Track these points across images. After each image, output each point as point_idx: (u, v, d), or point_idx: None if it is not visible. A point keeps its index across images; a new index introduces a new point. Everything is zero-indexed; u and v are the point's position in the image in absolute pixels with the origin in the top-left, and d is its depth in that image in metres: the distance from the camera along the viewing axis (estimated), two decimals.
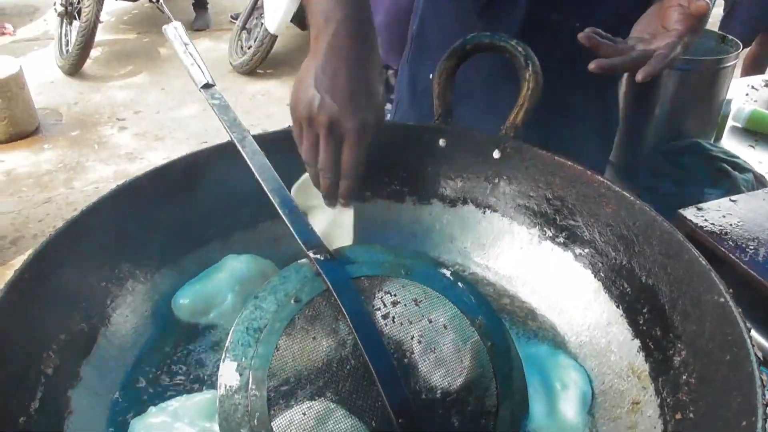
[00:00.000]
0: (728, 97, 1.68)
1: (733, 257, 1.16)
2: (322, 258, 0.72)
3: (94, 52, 4.84)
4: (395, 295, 0.69)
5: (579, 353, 0.85)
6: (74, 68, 4.63)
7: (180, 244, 0.94)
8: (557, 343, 0.87)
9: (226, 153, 0.97)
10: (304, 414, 0.61)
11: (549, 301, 0.92)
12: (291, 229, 0.76)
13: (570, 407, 0.76)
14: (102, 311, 0.83)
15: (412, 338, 0.66)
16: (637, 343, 0.79)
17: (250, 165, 0.82)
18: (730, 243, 1.21)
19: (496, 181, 0.99)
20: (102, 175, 3.59)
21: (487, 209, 1.00)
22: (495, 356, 0.68)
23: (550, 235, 0.94)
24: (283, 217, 0.77)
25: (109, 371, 0.80)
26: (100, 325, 0.82)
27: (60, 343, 0.76)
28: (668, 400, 0.71)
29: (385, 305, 0.68)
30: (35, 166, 3.71)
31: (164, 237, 0.92)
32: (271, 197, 0.79)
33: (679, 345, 0.73)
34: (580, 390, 0.78)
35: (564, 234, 0.93)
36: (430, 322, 0.68)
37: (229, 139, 0.96)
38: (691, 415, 0.67)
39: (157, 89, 4.66)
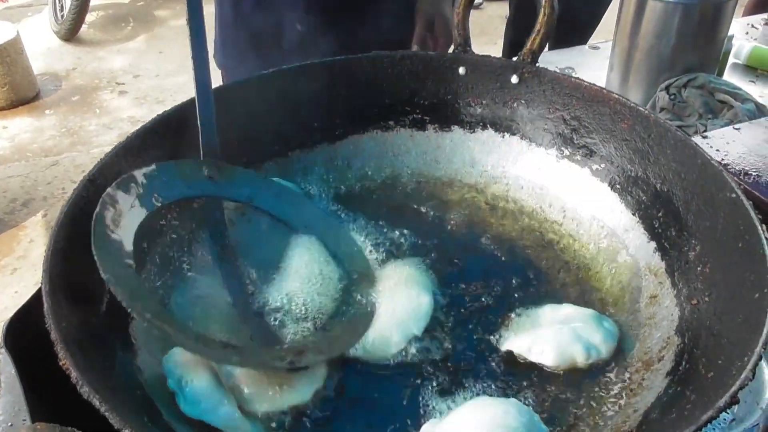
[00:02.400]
0: (730, 33, 1.71)
1: (737, 180, 1.22)
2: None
3: (89, 17, 4.82)
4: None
5: (598, 259, 0.91)
6: (70, 33, 4.61)
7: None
8: (575, 251, 0.93)
9: (258, 85, 1.02)
10: None
11: (568, 214, 0.98)
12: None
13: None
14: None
15: None
16: (653, 244, 0.86)
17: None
18: (735, 167, 1.26)
19: (515, 105, 1.04)
20: (106, 139, 3.62)
21: (506, 133, 1.05)
22: None
23: (568, 153, 1.00)
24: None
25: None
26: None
27: None
28: (684, 290, 0.77)
29: None
30: (38, 132, 3.73)
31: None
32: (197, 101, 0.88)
33: (694, 241, 0.79)
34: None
35: (581, 152, 0.98)
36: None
37: (260, 73, 1.01)
38: (707, 299, 0.73)
39: (155, 53, 4.65)
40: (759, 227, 0.69)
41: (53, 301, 0.65)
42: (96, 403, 0.55)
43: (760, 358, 0.56)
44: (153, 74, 4.36)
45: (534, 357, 0.77)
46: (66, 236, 0.73)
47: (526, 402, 0.73)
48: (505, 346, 0.79)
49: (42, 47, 4.61)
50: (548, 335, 0.77)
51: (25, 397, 0.73)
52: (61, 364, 0.59)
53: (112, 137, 3.63)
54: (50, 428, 0.39)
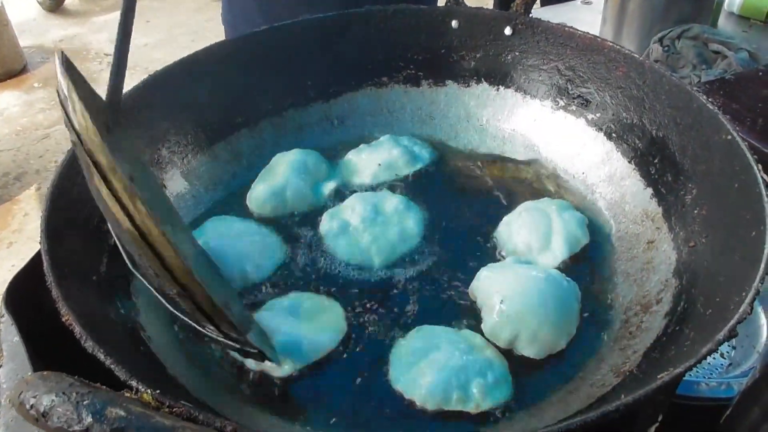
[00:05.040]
0: None
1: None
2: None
3: None
4: None
5: (595, 208, 0.92)
6: (55, 4, 4.55)
7: (211, 133, 0.99)
8: (574, 201, 0.94)
9: (251, 44, 1.01)
10: None
11: (565, 165, 0.98)
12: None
13: (557, 244, 0.84)
14: None
15: None
16: (649, 191, 0.86)
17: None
18: (729, 116, 1.26)
19: (509, 58, 1.03)
20: None
21: (500, 86, 1.05)
22: None
23: (563, 104, 0.99)
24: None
25: None
26: None
27: None
28: (681, 233, 0.78)
29: None
30: (28, 105, 3.69)
31: (196, 126, 0.97)
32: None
33: (690, 185, 0.79)
34: (571, 234, 0.86)
35: (576, 102, 0.98)
36: None
37: (253, 31, 1.00)
38: (704, 240, 0.73)
39: (142, 22, 4.58)
40: (755, 167, 0.69)
41: (53, 259, 0.65)
42: (101, 356, 0.55)
43: (758, 293, 0.56)
44: (141, 44, 4.31)
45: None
46: (61, 197, 0.73)
47: None
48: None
49: (27, 18, 4.55)
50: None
51: (29, 359, 0.73)
52: (63, 320, 0.59)
53: None
54: (57, 375, 0.39)
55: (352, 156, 1.02)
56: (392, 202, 0.92)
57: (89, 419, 0.35)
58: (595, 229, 0.89)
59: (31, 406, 0.36)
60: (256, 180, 0.97)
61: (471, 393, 0.68)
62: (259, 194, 0.95)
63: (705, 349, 0.52)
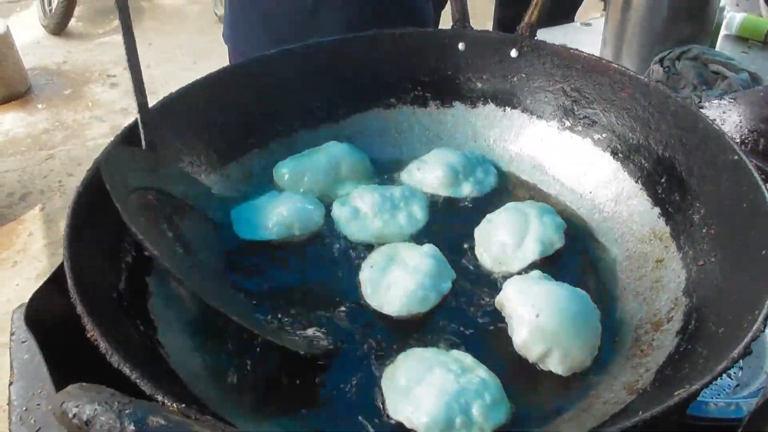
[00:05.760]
0: (721, 4, 1.73)
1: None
2: None
3: (77, 10, 4.78)
4: None
5: (603, 227, 0.93)
6: (59, 27, 4.58)
7: (223, 153, 1.00)
8: (579, 221, 0.95)
9: (261, 66, 1.03)
10: None
11: (572, 185, 0.99)
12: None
13: (530, 244, 0.88)
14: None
15: None
16: (657, 210, 0.87)
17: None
18: (732, 136, 1.28)
19: (515, 79, 1.05)
20: (100, 131, 3.61)
21: (507, 107, 1.06)
22: None
23: (569, 125, 1.01)
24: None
25: None
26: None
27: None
28: (690, 252, 0.79)
29: None
30: (32, 126, 3.71)
31: (208, 146, 0.99)
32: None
33: (698, 204, 0.81)
34: (546, 236, 0.89)
35: (582, 122, 0.99)
36: None
37: (268, 53, 1.02)
38: (713, 259, 0.75)
39: (145, 44, 4.62)
40: (762, 186, 0.70)
41: (76, 276, 0.66)
42: (126, 370, 0.56)
43: None
44: (143, 65, 4.30)
45: None
46: (82, 214, 0.74)
47: None
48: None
49: (32, 42, 4.58)
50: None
51: (50, 374, 0.74)
52: (88, 335, 0.60)
53: (105, 129, 3.61)
54: (96, 387, 0.40)
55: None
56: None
57: (132, 427, 0.36)
58: (602, 248, 0.91)
59: (74, 415, 0.37)
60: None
61: (473, 417, 0.68)
62: (283, 164, 1.02)
63: (720, 367, 0.53)
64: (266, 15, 1.43)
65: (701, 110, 1.32)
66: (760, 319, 0.56)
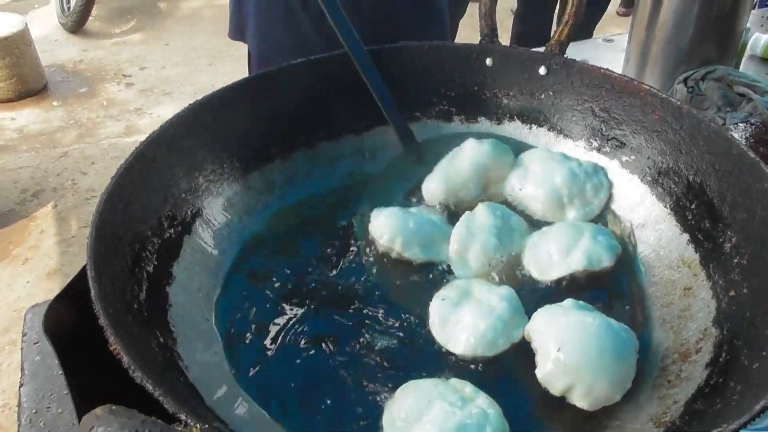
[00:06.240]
0: (747, 25, 1.71)
1: None
2: None
3: (95, 9, 4.81)
4: None
5: (628, 251, 0.91)
6: (77, 25, 4.61)
7: (246, 163, 1.00)
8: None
9: (287, 76, 1.02)
10: None
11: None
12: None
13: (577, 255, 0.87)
14: (185, 221, 0.89)
15: None
16: (686, 236, 0.86)
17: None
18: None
19: (542, 97, 1.04)
20: (114, 130, 3.62)
21: (533, 124, 1.05)
22: None
23: (596, 145, 1.00)
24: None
25: (195, 273, 0.87)
26: (184, 233, 0.88)
27: (154, 246, 0.82)
28: (720, 282, 0.77)
29: None
30: (47, 123, 3.73)
31: (231, 156, 0.98)
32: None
33: (729, 233, 0.79)
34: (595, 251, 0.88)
35: (611, 144, 0.98)
36: None
37: (289, 63, 1.01)
38: (745, 290, 0.73)
39: (161, 45, 4.64)
40: None
41: (100, 287, 0.65)
42: (149, 387, 0.55)
43: None
44: (159, 66, 4.36)
45: None
46: (107, 224, 0.74)
47: None
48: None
49: (49, 39, 4.61)
50: None
51: (66, 381, 0.73)
52: (111, 349, 0.59)
53: (119, 129, 3.63)
54: (127, 411, 0.39)
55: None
56: None
57: None
58: (628, 273, 0.89)
59: None
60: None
61: None
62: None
63: (759, 406, 0.51)
64: (288, 14, 1.43)
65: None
66: None
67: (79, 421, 0.53)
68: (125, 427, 0.36)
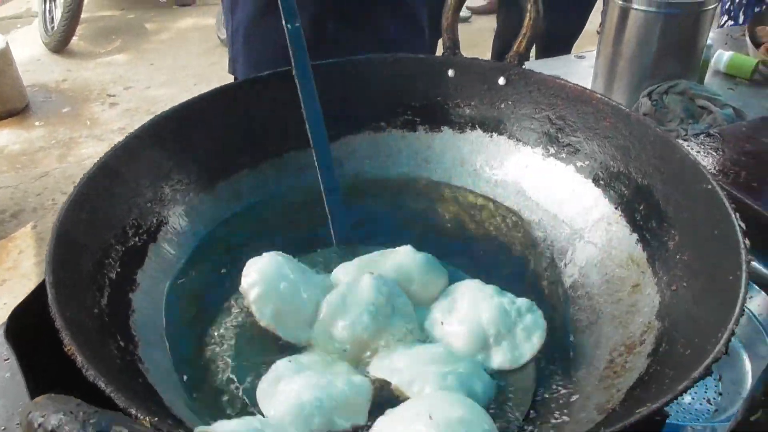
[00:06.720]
0: (709, 42, 1.77)
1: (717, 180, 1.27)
2: None
3: (79, 29, 4.85)
4: None
5: (584, 252, 0.95)
6: (60, 45, 4.64)
7: (213, 172, 1.02)
8: (560, 246, 0.97)
9: (255, 87, 1.05)
10: None
11: (554, 210, 1.01)
12: None
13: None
14: (150, 229, 0.91)
15: None
16: (635, 236, 0.89)
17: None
18: (713, 169, 1.31)
19: (502, 106, 1.07)
20: (97, 150, 3.63)
21: (494, 133, 1.09)
22: None
23: (553, 152, 1.03)
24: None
25: (160, 280, 0.89)
26: (149, 241, 0.90)
27: (118, 253, 0.84)
28: (664, 277, 0.81)
29: None
30: (28, 143, 3.74)
31: (199, 166, 1.00)
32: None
33: (673, 231, 0.83)
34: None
35: (566, 150, 1.02)
36: None
37: (257, 75, 1.04)
38: (685, 284, 0.76)
39: (146, 65, 4.68)
40: (733, 215, 0.73)
41: (57, 291, 0.67)
42: (101, 385, 0.57)
43: (732, 334, 0.59)
44: (143, 86, 4.39)
45: None
46: (66, 233, 0.76)
47: None
48: None
49: (32, 58, 4.64)
50: None
51: (28, 390, 0.75)
52: (66, 350, 0.61)
53: (102, 148, 3.59)
54: (64, 397, 0.41)
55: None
56: None
57: None
58: (583, 273, 0.92)
59: (39, 425, 0.38)
60: None
61: None
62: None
63: (682, 386, 0.54)
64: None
65: (684, 142, 1.36)
66: (722, 341, 0.58)
67: None
68: (59, 411, 0.38)
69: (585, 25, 3.33)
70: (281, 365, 0.77)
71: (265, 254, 0.89)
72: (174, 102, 1.00)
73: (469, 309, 0.87)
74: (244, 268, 0.87)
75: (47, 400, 0.40)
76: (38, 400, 0.40)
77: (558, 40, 3.03)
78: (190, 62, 4.71)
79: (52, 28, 4.60)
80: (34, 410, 0.39)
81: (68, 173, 3.40)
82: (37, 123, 3.94)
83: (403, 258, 0.93)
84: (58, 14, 4.50)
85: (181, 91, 4.21)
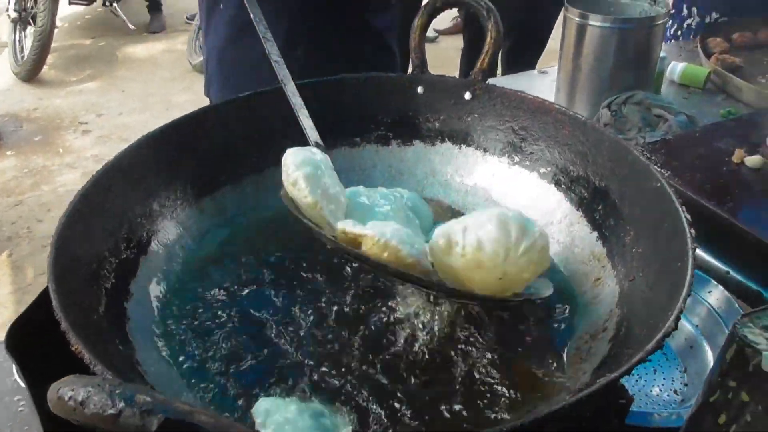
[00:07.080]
0: (663, 54, 1.88)
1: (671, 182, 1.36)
2: None
3: (50, 58, 4.85)
4: None
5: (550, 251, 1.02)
6: (31, 74, 4.64)
7: (198, 189, 1.07)
8: None
9: (235, 108, 1.11)
10: None
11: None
12: None
13: None
14: (140, 243, 0.96)
15: None
16: (595, 234, 0.97)
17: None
18: (670, 171, 1.40)
19: (469, 119, 1.14)
20: (70, 177, 3.64)
21: (462, 144, 1.16)
22: None
23: (518, 160, 1.11)
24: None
25: (152, 290, 0.94)
26: (140, 254, 0.95)
27: (112, 265, 0.88)
28: (622, 270, 0.88)
29: None
30: (0, 173, 3.73)
31: (184, 183, 1.06)
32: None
33: (629, 227, 0.90)
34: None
35: (529, 158, 1.09)
36: None
37: (237, 96, 1.10)
38: (641, 274, 0.84)
39: (118, 92, 4.70)
40: (680, 208, 0.80)
41: (61, 298, 0.72)
42: (110, 377, 0.62)
43: (681, 312, 0.66)
44: (116, 113, 4.41)
45: None
46: (64, 244, 0.81)
47: None
48: None
49: (2, 88, 4.63)
50: None
51: (32, 398, 0.79)
52: (73, 349, 0.66)
53: (76, 176, 3.64)
54: (88, 376, 0.46)
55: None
56: None
57: (121, 404, 0.41)
58: (549, 272, 0.99)
59: (69, 398, 0.43)
60: None
61: None
62: None
63: (636, 358, 0.61)
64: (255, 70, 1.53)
65: (641, 147, 1.45)
66: (672, 318, 0.65)
67: None
68: (87, 384, 0.43)
69: (547, 42, 3.46)
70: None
71: (300, 148, 0.95)
72: (147, 129, 1.05)
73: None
74: (285, 158, 0.93)
75: (74, 377, 0.45)
76: (65, 379, 0.45)
77: (524, 57, 3.17)
78: (161, 88, 4.74)
79: (23, 57, 4.61)
80: (63, 386, 0.44)
81: (43, 201, 3.40)
82: (8, 152, 3.94)
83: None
84: (28, 44, 4.52)
85: (153, 116, 4.24)
